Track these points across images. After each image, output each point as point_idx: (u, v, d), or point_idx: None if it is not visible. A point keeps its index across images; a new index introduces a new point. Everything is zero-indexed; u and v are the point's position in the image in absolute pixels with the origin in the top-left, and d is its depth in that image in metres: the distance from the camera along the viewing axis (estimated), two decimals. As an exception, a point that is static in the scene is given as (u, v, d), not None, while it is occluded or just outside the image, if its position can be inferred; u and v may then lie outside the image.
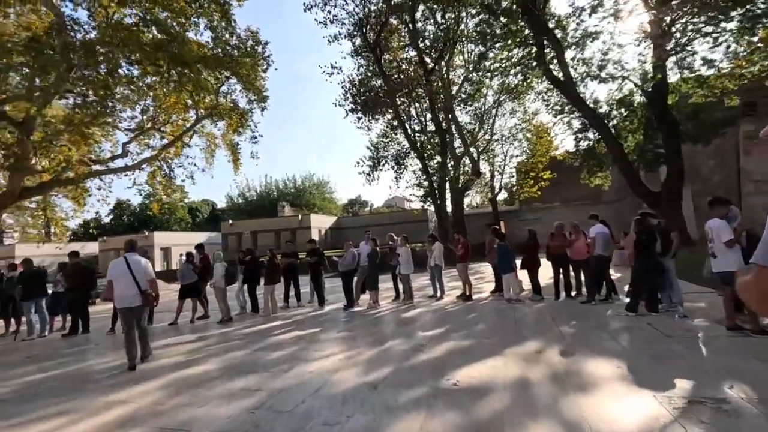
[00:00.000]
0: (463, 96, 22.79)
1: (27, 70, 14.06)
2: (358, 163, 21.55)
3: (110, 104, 17.96)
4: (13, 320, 9.38)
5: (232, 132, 21.20)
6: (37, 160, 16.25)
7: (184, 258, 9.44)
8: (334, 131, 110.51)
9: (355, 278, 9.64)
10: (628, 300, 6.64)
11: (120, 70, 16.29)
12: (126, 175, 23.60)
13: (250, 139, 21.35)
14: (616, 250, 11.36)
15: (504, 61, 20.16)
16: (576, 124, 21.02)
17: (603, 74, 16.78)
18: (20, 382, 5.23)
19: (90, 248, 34.86)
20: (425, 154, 21.29)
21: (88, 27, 14.23)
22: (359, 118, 20.86)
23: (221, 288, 8.68)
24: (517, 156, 30.84)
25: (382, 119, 22.81)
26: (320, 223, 36.81)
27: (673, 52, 14.45)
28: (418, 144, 21.43)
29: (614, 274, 9.84)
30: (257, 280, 9.73)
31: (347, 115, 21.76)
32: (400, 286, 10.01)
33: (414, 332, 6.37)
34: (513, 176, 35.32)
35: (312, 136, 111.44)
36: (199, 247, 9.62)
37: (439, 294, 9.82)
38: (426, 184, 21.41)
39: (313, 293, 10.28)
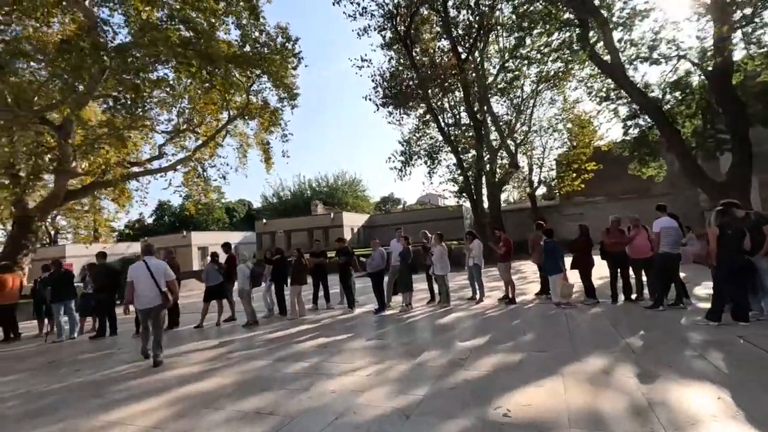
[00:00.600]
0: (500, 86, 21.66)
1: (66, 76, 14.33)
2: (390, 158, 20.90)
3: (146, 106, 18.32)
4: (46, 321, 9.40)
5: (264, 131, 21.11)
6: (77, 162, 16.59)
7: (209, 258, 9.12)
8: (366, 130, 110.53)
9: (386, 279, 9.00)
10: (694, 304, 5.60)
11: (154, 74, 16.56)
12: (162, 176, 24.16)
13: (281, 138, 21.20)
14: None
15: (543, 47, 18.90)
16: (623, 111, 19.44)
17: (655, 55, 15.26)
18: (31, 393, 4.93)
19: (135, 248, 36.25)
20: (459, 148, 20.33)
21: (117, 27, 14.35)
22: (390, 113, 20.21)
23: (246, 290, 8.26)
24: (557, 148, 29.23)
25: (414, 114, 22.06)
26: (353, 222, 36.50)
27: (739, 25, 12.82)
28: (452, 137, 20.50)
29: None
30: (285, 281, 9.28)
31: (378, 109, 21.17)
32: (436, 288, 9.28)
33: (452, 342, 5.63)
34: (552, 169, 33.66)
35: (344, 135, 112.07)
36: (226, 246, 9.27)
37: (478, 296, 9.00)
38: (461, 178, 20.46)
39: (343, 295, 9.72)
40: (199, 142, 21.37)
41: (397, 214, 44.94)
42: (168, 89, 18.07)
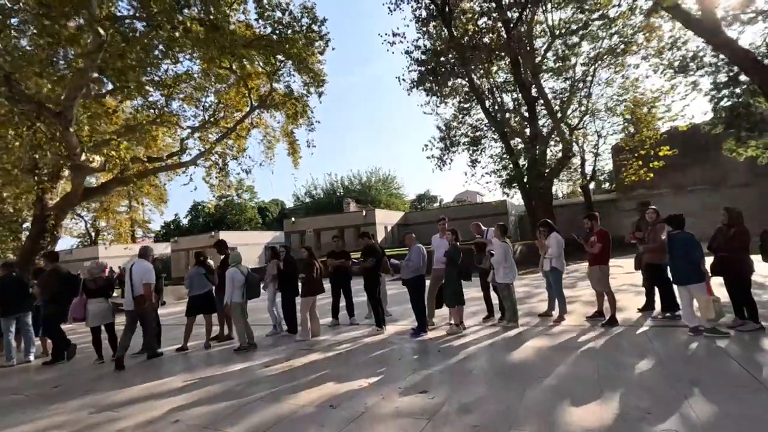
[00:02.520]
0: (550, 63, 18.74)
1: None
2: (427, 145, 18.44)
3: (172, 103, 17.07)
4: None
5: (291, 123, 19.21)
6: (88, 156, 15.19)
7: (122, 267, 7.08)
8: (400, 126, 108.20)
9: (427, 287, 6.62)
10: None
11: (176, 66, 15.20)
12: (184, 172, 22.80)
13: (306, 126, 19.23)
14: None
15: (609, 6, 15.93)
16: (706, 82, 16.12)
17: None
18: None
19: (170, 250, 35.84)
20: (507, 131, 17.57)
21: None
22: (427, 91, 17.67)
23: (238, 303, 6.12)
24: (615, 133, 25.65)
25: (452, 100, 19.40)
26: (386, 219, 34.19)
27: None
28: (499, 119, 17.76)
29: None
30: (296, 290, 7.10)
31: (412, 88, 18.65)
32: (494, 299, 6.80)
33: (553, 407, 3.18)
34: (609, 158, 29.95)
35: (378, 132, 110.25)
36: (219, 245, 7.20)
37: (557, 312, 6.44)
38: (510, 166, 17.71)
39: (371, 308, 7.43)
40: (221, 134, 19.85)
41: (433, 211, 42.26)
42: (193, 83, 16.84)
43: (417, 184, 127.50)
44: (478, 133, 18.37)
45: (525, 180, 16.94)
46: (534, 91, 16.93)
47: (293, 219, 36.12)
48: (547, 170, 18.43)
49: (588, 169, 26.67)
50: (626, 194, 31.68)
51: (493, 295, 6.89)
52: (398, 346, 5.79)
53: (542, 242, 6.54)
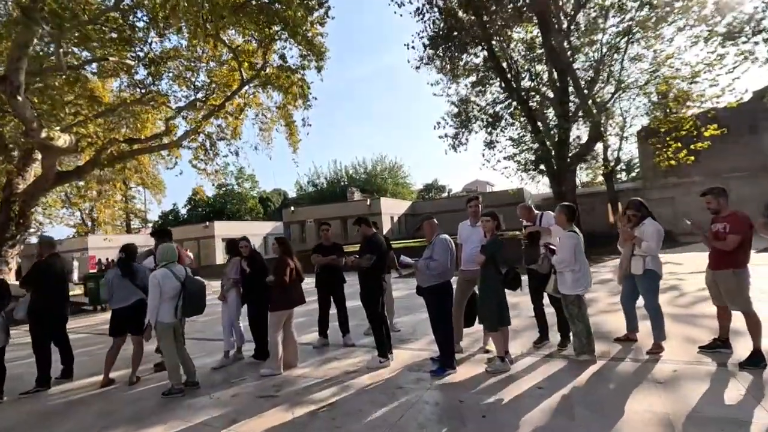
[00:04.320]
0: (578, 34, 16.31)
1: None
2: (439, 123, 16.13)
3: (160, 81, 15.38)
4: None
5: (290, 104, 17.05)
6: (49, 133, 13.04)
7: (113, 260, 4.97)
8: (407, 113, 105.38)
9: (454, 296, 4.47)
10: None
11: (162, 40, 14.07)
12: (169, 155, 20.82)
13: (303, 105, 17.13)
14: None
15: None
16: (765, 50, 13.74)
17: None
18: None
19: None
20: (533, 106, 15.22)
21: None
22: (438, 68, 15.31)
23: (167, 324, 4.00)
24: (643, 115, 23.12)
25: (464, 80, 16.92)
26: (392, 209, 31.94)
27: None
28: (522, 93, 15.40)
29: None
30: (264, 300, 4.97)
31: (420, 63, 16.29)
32: (550, 317, 4.65)
33: None
34: (635, 143, 27.35)
35: (383, 119, 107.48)
36: (160, 233, 5.06)
37: (654, 338, 4.25)
38: (535, 146, 15.40)
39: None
40: (220, 120, 17.86)
41: (443, 200, 39.92)
42: (183, 61, 15.39)
43: (424, 173, 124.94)
44: (497, 108, 15.99)
45: (553, 161, 14.62)
46: (568, 54, 14.51)
47: (293, 208, 34.00)
48: (570, 154, 16.15)
49: (612, 156, 24.30)
50: (653, 183, 29.22)
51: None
52: (413, 395, 3.65)
53: (630, 232, 4.34)
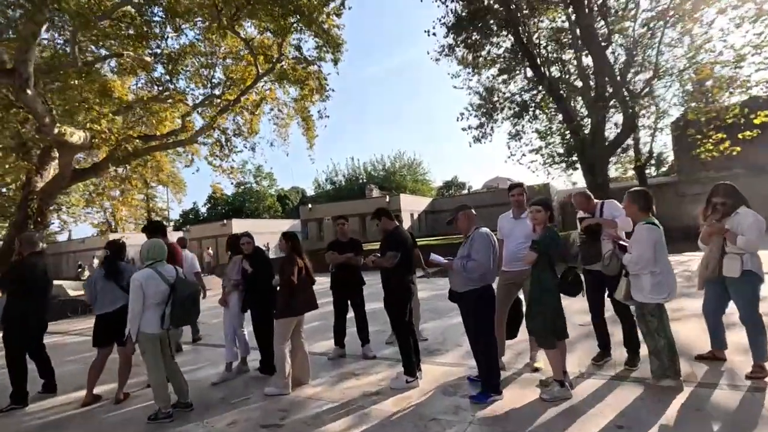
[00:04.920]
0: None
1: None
2: (462, 114, 15.22)
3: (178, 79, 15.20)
4: None
5: (307, 99, 16.59)
6: (61, 128, 12.76)
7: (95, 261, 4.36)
8: (426, 111, 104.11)
9: (497, 301, 3.66)
10: None
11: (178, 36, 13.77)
12: (185, 152, 20.58)
13: (320, 97, 16.66)
14: None
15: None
16: None
17: None
18: None
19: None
20: (563, 93, 14.15)
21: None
22: (460, 60, 14.37)
23: (151, 335, 3.31)
24: (679, 105, 21.59)
25: (487, 71, 15.90)
26: (412, 206, 31.03)
27: None
28: (551, 81, 14.34)
29: None
30: (268, 305, 4.27)
31: (442, 53, 15.40)
32: (613, 331, 3.80)
33: None
34: (668, 134, 25.77)
35: (401, 116, 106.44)
36: (152, 229, 4.42)
37: (754, 359, 3.35)
38: (567, 136, 14.36)
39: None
40: (238, 117, 17.54)
41: (464, 197, 38.81)
42: (200, 58, 15.12)
43: (443, 170, 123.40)
44: (525, 96, 14.95)
45: (587, 151, 13.52)
46: (604, 36, 13.42)
47: (310, 206, 33.48)
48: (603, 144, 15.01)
49: (644, 148, 22.87)
50: (689, 177, 27.53)
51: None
52: (453, 430, 2.87)
53: (720, 225, 3.44)
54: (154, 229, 4.37)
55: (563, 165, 18.00)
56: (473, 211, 3.63)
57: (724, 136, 18.10)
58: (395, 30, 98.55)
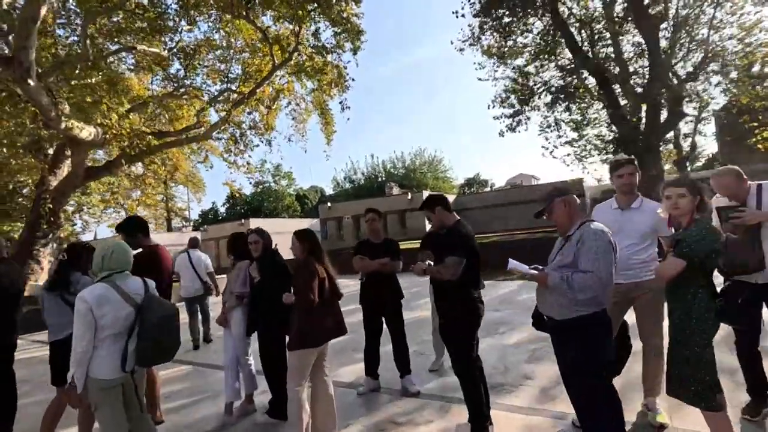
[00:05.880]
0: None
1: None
2: (494, 101, 13.92)
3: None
4: None
5: (325, 93, 15.77)
6: (68, 123, 12.08)
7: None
8: (445, 107, 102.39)
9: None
10: None
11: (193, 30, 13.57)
12: (199, 148, 19.96)
13: (339, 90, 15.82)
14: None
15: None
16: None
17: None
18: None
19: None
20: (607, 75, 12.69)
21: None
22: (495, 24, 13.01)
23: (102, 383, 2.26)
24: (724, 91, 19.71)
25: (513, 61, 14.51)
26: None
27: None
28: (594, 61, 12.90)
29: None
30: (278, 326, 3.20)
31: (468, 41, 14.17)
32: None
33: None
34: (712, 124, 23.82)
35: (422, 111, 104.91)
36: (129, 227, 3.40)
37: None
38: (609, 124, 12.92)
39: (443, 354, 3.45)
40: (254, 113, 16.88)
41: (490, 193, 37.21)
42: (217, 53, 14.72)
43: (465, 168, 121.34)
44: (562, 82, 13.52)
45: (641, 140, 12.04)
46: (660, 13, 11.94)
47: (329, 204, 32.54)
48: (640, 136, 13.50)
49: (686, 142, 21.14)
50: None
51: None
52: None
53: None
54: (131, 226, 3.35)
55: (602, 156, 16.51)
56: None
57: (780, 123, 16.27)
58: (410, 28, 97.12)
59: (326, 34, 22.02)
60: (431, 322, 4.34)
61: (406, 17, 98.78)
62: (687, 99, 15.21)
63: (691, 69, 16.09)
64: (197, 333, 6.34)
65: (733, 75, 15.67)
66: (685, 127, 20.51)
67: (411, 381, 3.78)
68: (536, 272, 2.39)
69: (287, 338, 3.00)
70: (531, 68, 14.03)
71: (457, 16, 13.44)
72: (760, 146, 18.57)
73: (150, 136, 15.47)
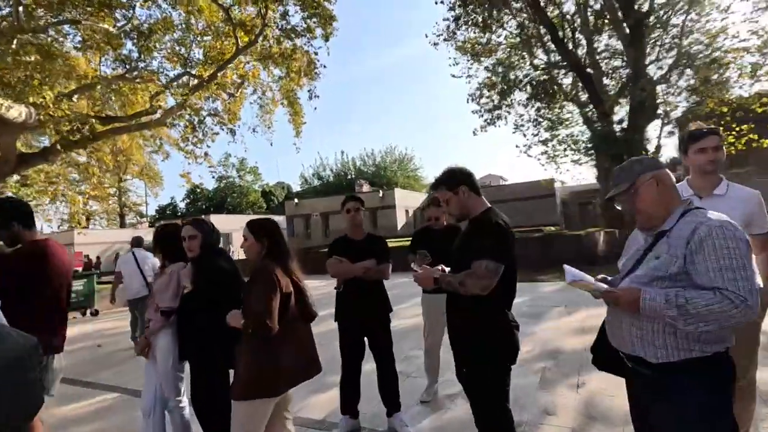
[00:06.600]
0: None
1: None
2: (472, 96, 13.31)
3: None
4: None
5: (296, 81, 14.72)
6: (10, 106, 10.47)
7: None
8: (414, 105, 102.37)
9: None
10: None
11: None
12: (151, 136, 18.38)
13: (309, 79, 14.89)
14: None
15: None
16: None
17: None
18: None
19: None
20: (590, 70, 12.34)
21: None
22: (460, 47, 12.50)
23: None
24: (687, 95, 20.11)
25: (487, 60, 14.01)
26: (407, 202, 28.95)
27: None
28: (576, 57, 12.52)
29: None
30: (221, 353, 2.23)
31: (444, 35, 13.56)
32: None
33: None
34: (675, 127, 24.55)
35: (392, 109, 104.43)
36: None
37: None
38: (588, 122, 12.59)
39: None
40: (208, 91, 15.49)
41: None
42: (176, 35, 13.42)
43: (434, 168, 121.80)
44: (545, 76, 13.08)
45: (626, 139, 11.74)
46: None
47: (296, 200, 31.16)
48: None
49: (651, 145, 21.46)
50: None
51: None
52: None
53: None
54: (2, 214, 2.27)
55: (576, 156, 16.21)
56: (668, 171, 1.66)
57: (752, 126, 16.54)
58: (385, 28, 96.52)
59: (296, 18, 21.00)
60: (422, 337, 3.51)
61: (383, 17, 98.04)
62: (659, 102, 15.18)
63: (662, 72, 16.11)
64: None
65: (703, 77, 15.80)
66: (651, 130, 20.74)
67: (401, 421, 2.90)
68: (614, 288, 1.57)
69: (231, 377, 2.06)
70: (508, 63, 13.54)
71: (436, 2, 12.72)
72: (729, 151, 18.92)
73: (93, 120, 13.89)
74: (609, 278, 1.71)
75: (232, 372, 2.15)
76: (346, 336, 2.95)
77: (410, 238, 3.66)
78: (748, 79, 15.63)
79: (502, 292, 1.81)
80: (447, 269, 2.09)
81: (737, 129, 16.42)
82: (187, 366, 2.57)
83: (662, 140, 24.05)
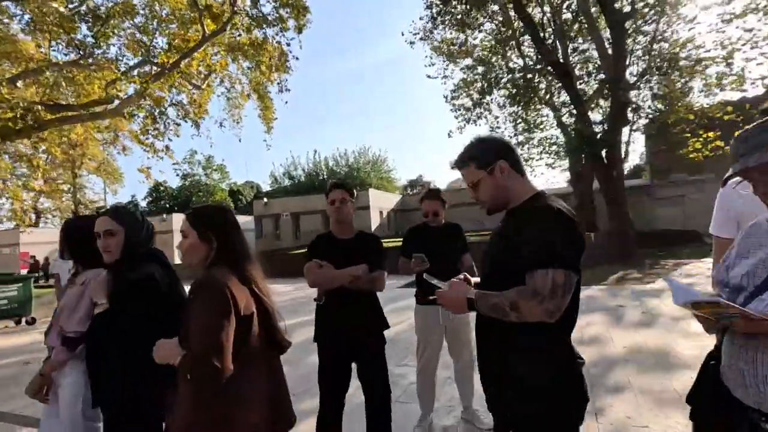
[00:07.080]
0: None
1: None
2: (454, 92, 12.93)
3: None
4: None
5: (267, 75, 14.03)
6: None
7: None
8: (389, 107, 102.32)
9: None
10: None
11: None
12: (107, 128, 17.11)
13: (280, 73, 14.26)
14: None
15: None
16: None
17: None
18: None
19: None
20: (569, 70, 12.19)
21: None
22: (436, 48, 12.19)
23: None
24: (656, 102, 20.65)
25: (462, 61, 13.78)
26: (381, 202, 28.34)
27: None
28: (559, 57, 12.35)
29: None
30: (148, 395, 1.55)
31: (421, 33, 13.21)
32: None
33: None
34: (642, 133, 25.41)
35: (364, 110, 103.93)
36: None
37: None
38: (572, 124, 12.44)
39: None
40: (170, 82, 14.46)
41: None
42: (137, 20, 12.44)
43: (407, 170, 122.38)
44: (529, 75, 12.83)
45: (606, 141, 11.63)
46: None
47: (265, 200, 29.97)
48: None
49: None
50: (662, 179, 27.31)
51: None
52: None
53: None
54: None
55: (551, 159, 16.15)
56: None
57: (719, 133, 16.96)
58: (363, 29, 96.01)
59: (267, 8, 20.21)
60: (415, 356, 2.92)
61: (360, 18, 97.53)
62: (629, 106, 15.31)
63: (635, 77, 16.28)
64: None
65: (671, 85, 16.03)
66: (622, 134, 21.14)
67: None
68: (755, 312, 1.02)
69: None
70: (488, 60, 13.29)
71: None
72: (691, 156, 19.37)
73: (39, 107, 12.68)
74: (721, 295, 1.17)
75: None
76: (328, 360, 2.31)
77: (386, 240, 3.08)
78: (715, 88, 16.01)
79: (566, 313, 1.22)
80: (474, 279, 1.48)
81: (704, 136, 16.80)
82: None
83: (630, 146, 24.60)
